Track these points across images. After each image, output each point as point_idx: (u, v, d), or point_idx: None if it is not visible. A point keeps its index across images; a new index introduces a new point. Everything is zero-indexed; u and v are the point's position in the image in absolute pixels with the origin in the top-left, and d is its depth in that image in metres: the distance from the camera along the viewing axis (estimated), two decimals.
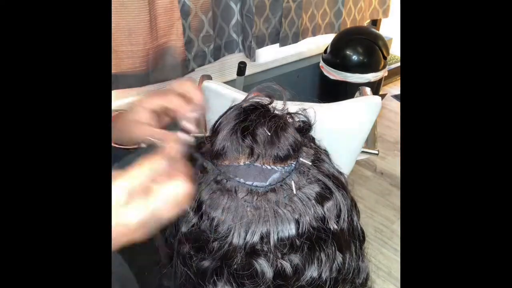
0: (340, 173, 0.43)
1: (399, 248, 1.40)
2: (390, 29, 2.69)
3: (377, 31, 2.27)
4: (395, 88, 2.85)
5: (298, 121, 0.44)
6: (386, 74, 2.14)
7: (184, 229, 0.40)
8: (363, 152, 1.17)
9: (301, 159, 0.40)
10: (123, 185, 0.33)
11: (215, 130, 0.41)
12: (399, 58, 2.85)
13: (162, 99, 0.49)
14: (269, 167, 0.39)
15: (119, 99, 1.38)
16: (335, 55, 2.08)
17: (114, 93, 1.36)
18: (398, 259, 1.52)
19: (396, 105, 2.62)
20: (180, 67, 1.46)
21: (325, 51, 2.14)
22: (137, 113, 0.49)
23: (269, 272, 0.37)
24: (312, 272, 0.38)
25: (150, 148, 0.41)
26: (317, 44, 2.24)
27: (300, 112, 0.44)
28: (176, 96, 0.48)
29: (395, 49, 2.84)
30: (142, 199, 0.33)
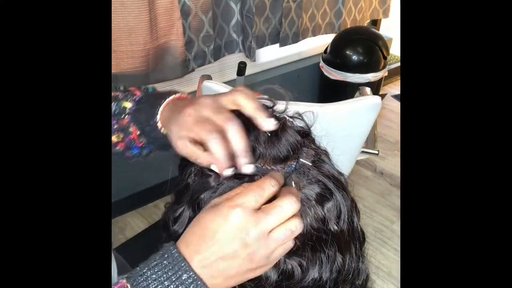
0: (341, 173, 0.43)
1: (399, 248, 1.40)
2: (390, 29, 2.68)
3: (377, 31, 2.27)
4: (395, 88, 2.84)
5: (301, 127, 0.44)
6: (386, 74, 2.14)
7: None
8: (363, 152, 1.17)
9: (301, 159, 0.40)
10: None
11: None
12: (399, 58, 2.84)
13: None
14: (269, 168, 0.39)
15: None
16: (335, 55, 2.08)
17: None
18: (398, 259, 1.51)
19: (396, 105, 2.62)
20: (180, 67, 1.46)
21: (325, 51, 2.14)
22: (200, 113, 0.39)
23: (272, 274, 0.37)
24: (313, 273, 0.38)
25: None
26: (317, 44, 2.24)
27: (297, 116, 0.44)
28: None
29: (395, 49, 2.84)
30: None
